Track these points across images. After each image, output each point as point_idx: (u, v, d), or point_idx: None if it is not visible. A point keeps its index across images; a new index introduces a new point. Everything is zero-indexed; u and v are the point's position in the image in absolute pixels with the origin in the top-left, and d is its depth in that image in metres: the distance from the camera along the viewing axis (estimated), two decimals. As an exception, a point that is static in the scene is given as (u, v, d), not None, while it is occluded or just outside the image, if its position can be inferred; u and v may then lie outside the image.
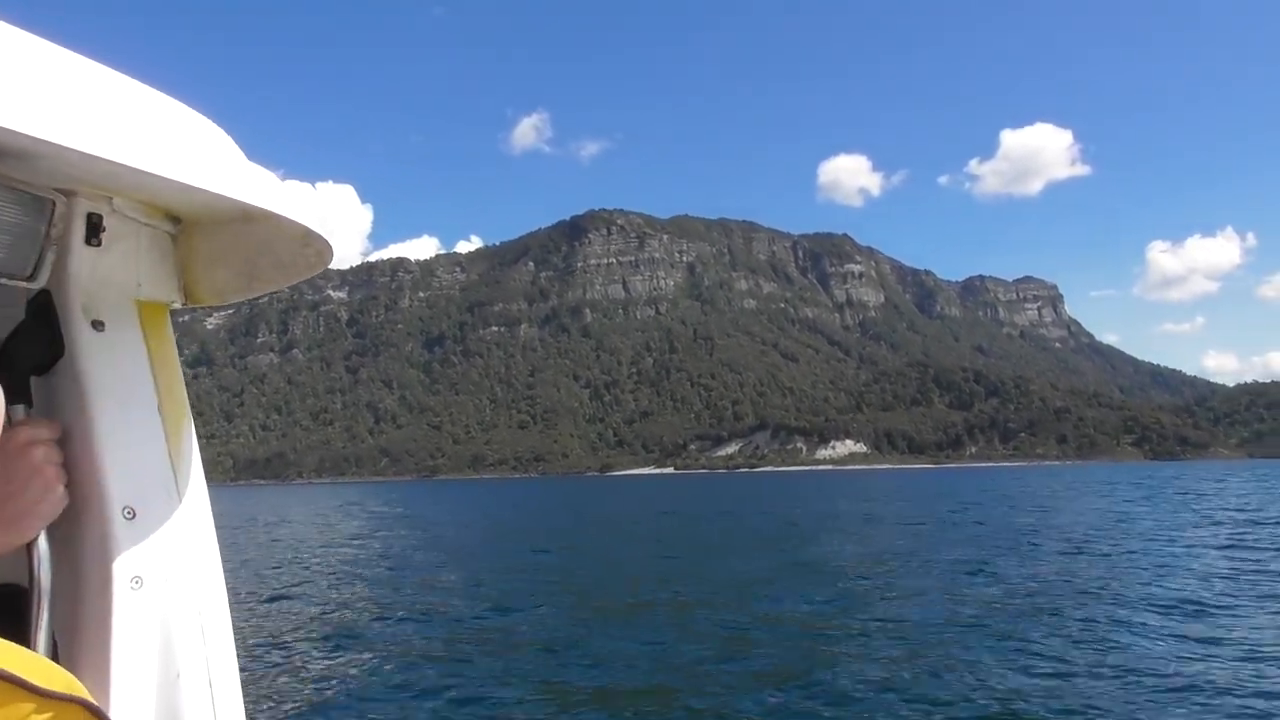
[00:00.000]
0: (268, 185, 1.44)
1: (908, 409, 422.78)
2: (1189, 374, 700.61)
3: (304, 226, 1.51)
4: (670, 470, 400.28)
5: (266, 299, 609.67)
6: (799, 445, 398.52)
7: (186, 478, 1.56)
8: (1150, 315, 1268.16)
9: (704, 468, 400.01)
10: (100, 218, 1.42)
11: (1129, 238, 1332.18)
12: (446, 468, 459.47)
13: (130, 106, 1.24)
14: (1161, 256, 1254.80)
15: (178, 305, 1.66)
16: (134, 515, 1.44)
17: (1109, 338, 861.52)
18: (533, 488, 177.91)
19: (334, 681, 12.93)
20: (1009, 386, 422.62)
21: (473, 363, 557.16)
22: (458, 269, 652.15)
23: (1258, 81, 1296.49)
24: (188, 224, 1.61)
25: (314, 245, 1.60)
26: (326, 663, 14.23)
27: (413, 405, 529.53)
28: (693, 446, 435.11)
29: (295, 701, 11.80)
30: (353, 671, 13.53)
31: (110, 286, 1.50)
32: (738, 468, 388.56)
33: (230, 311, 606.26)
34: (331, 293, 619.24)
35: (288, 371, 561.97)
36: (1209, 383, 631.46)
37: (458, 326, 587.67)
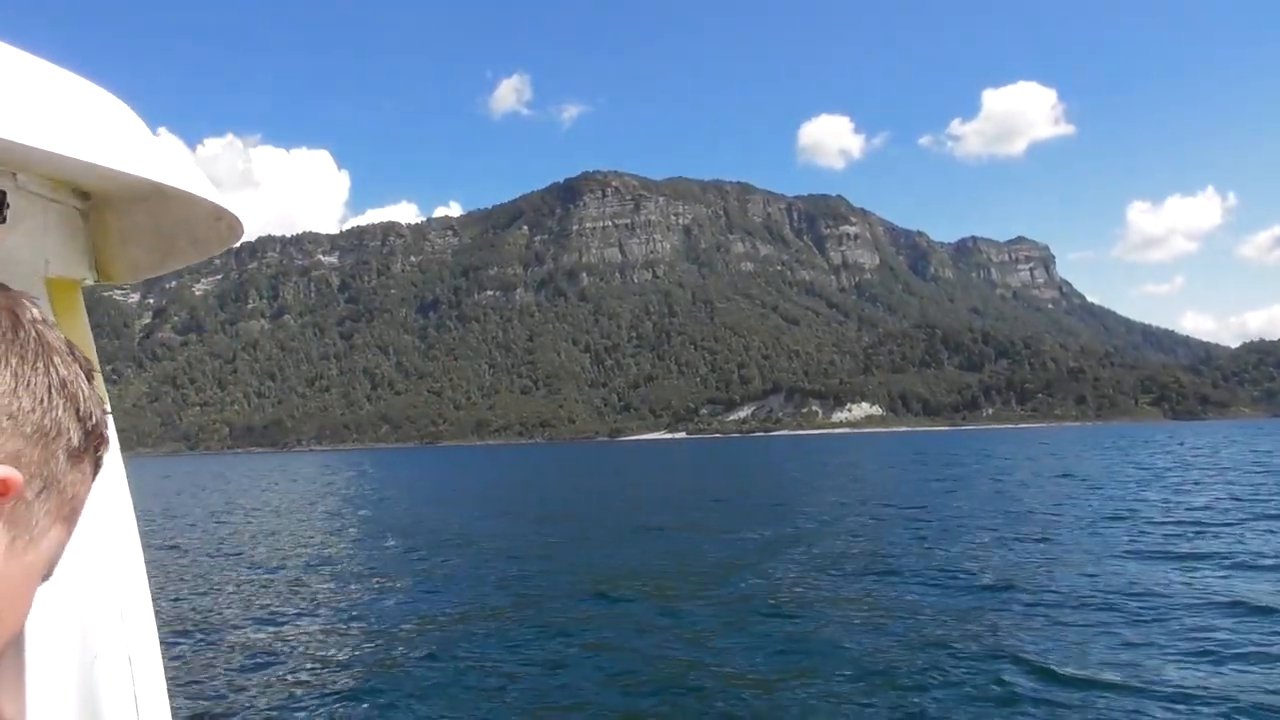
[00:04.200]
0: (176, 161, 1.38)
1: (919, 371, 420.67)
2: (1181, 334, 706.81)
3: (214, 203, 1.46)
4: (683, 435, 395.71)
5: (255, 263, 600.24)
6: (814, 408, 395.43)
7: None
8: (1129, 276, 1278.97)
9: (717, 432, 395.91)
10: (3, 195, 1.36)
11: (1110, 198, 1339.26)
12: (450, 433, 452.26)
13: (31, 83, 1.17)
14: (1142, 217, 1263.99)
15: (90, 282, 1.63)
16: None
17: (1092, 299, 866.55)
18: (558, 453, 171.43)
19: (264, 657, 12.75)
20: (1019, 348, 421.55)
21: (469, 328, 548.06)
22: (449, 233, 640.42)
23: (1243, 40, 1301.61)
24: (98, 200, 1.56)
25: (225, 219, 1.54)
26: (257, 638, 13.92)
27: (410, 371, 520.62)
28: (704, 410, 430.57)
29: (223, 679, 11.64)
30: (284, 648, 13.25)
31: (17, 264, 1.46)
32: (751, 432, 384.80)
33: (219, 277, 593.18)
34: (321, 257, 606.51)
35: (280, 338, 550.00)
36: (1202, 342, 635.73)
37: (452, 291, 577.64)
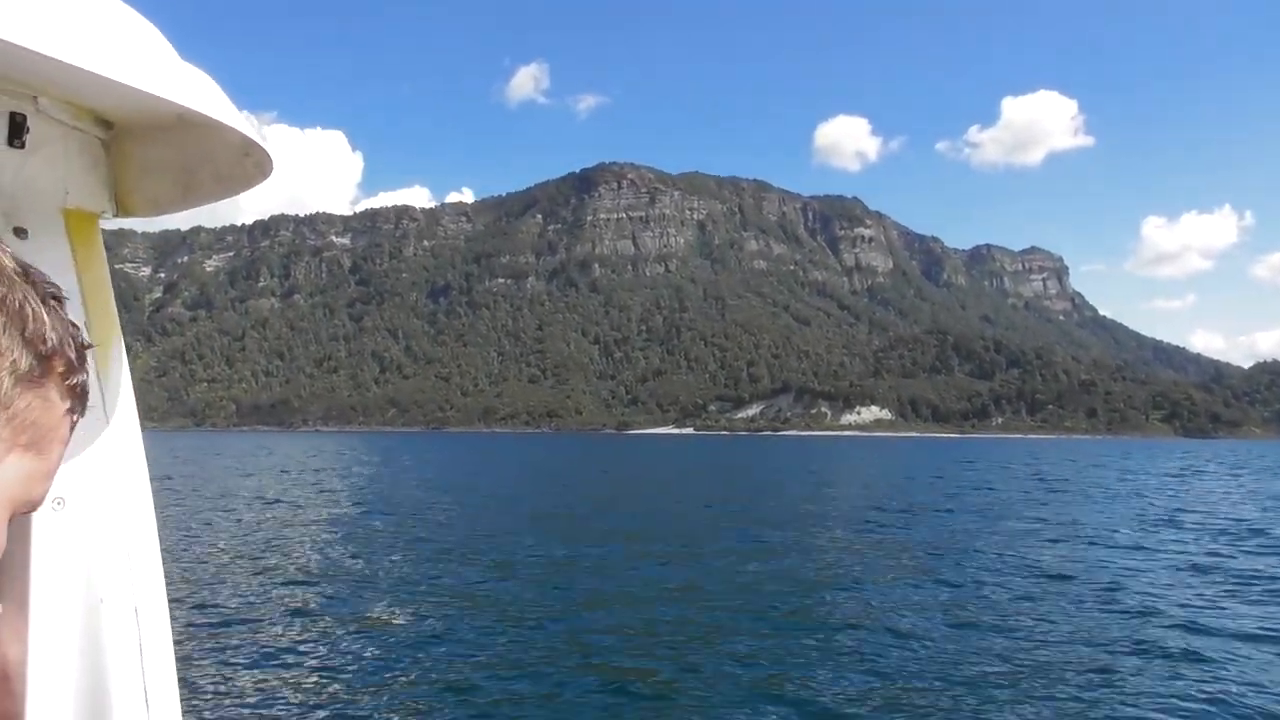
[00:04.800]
0: (205, 88, 1.34)
1: (929, 377, 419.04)
2: (1192, 351, 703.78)
3: (243, 134, 1.41)
4: (690, 431, 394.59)
5: (267, 242, 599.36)
6: (823, 410, 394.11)
7: (115, 397, 1.51)
8: (1141, 291, 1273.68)
9: (725, 429, 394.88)
10: (24, 118, 1.32)
11: (1125, 212, 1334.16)
12: (456, 420, 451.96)
13: None
14: (1157, 232, 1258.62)
15: (109, 216, 1.59)
16: None
17: (1103, 312, 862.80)
18: (575, 444, 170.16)
19: (273, 615, 13.20)
20: (1030, 358, 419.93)
21: (479, 315, 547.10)
22: (463, 219, 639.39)
23: (1265, 60, 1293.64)
24: (120, 130, 1.51)
25: (254, 155, 1.49)
26: (266, 596, 14.29)
27: (419, 356, 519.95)
28: (712, 407, 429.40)
29: (232, 630, 11.82)
30: (292, 610, 13.61)
31: (35, 193, 1.42)
32: (760, 430, 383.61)
33: (230, 254, 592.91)
34: (334, 238, 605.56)
35: (290, 317, 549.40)
36: (1213, 361, 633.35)
37: (463, 277, 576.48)
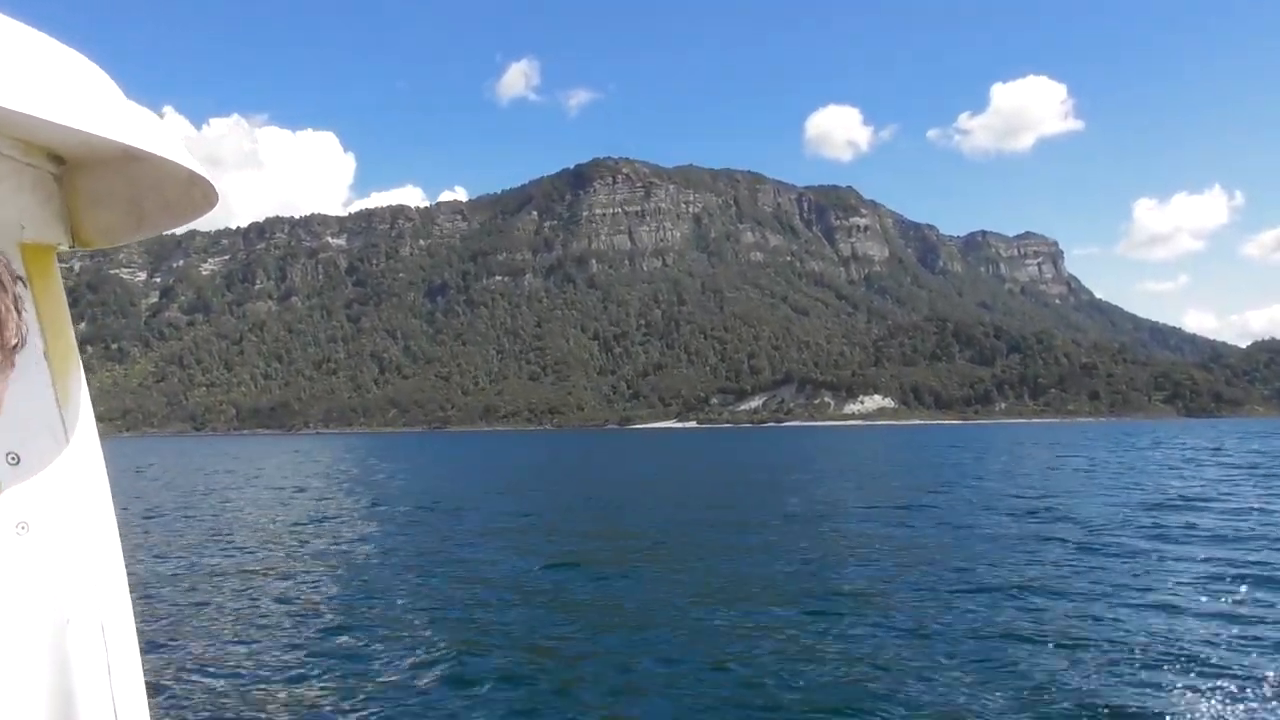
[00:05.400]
0: (148, 125, 1.38)
1: (930, 364, 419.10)
2: (1187, 331, 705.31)
3: (187, 168, 1.45)
4: (693, 424, 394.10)
5: (263, 244, 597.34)
6: (826, 400, 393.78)
7: (74, 423, 1.53)
8: (1133, 273, 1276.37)
9: (728, 422, 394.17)
10: None
11: (1117, 195, 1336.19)
12: (458, 419, 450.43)
13: (3, 45, 1.18)
14: (1148, 214, 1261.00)
15: (65, 248, 1.62)
16: (18, 460, 1.41)
17: (1098, 295, 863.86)
18: (584, 441, 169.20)
19: (244, 631, 12.96)
20: (1030, 342, 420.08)
21: (477, 313, 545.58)
22: (459, 217, 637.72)
23: (1253, 39, 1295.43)
24: (71, 164, 1.55)
25: (199, 187, 1.54)
26: (235, 608, 14.24)
27: (418, 355, 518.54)
28: (715, 400, 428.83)
29: (198, 649, 11.91)
30: (262, 620, 13.53)
31: None
32: (763, 422, 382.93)
33: (226, 257, 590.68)
34: (330, 239, 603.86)
35: (287, 320, 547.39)
36: (1209, 341, 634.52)
37: (460, 276, 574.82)
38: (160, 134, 1.40)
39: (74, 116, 1.23)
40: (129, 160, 1.46)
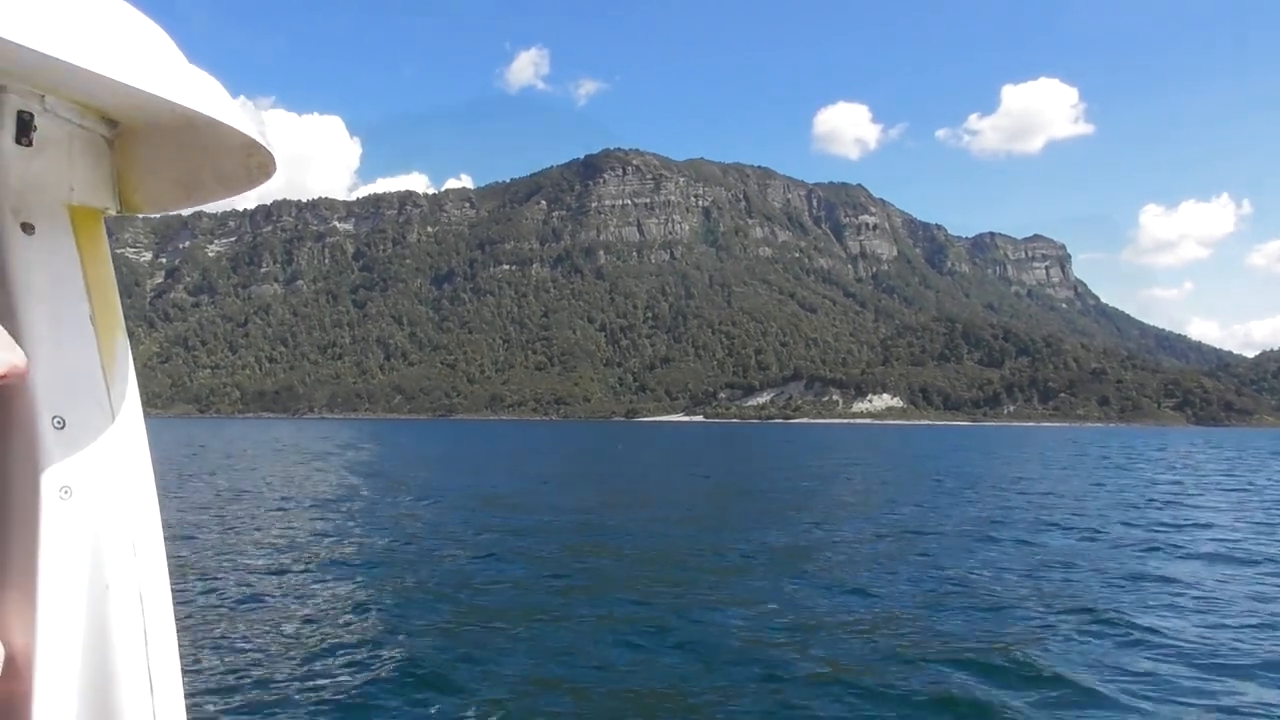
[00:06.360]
0: (209, 90, 1.39)
1: (938, 364, 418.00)
2: (1192, 339, 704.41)
3: (247, 136, 1.46)
4: (700, 418, 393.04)
5: (269, 227, 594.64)
6: (834, 397, 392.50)
7: (120, 389, 1.55)
8: (1137, 279, 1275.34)
9: (735, 417, 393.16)
10: (31, 116, 1.38)
11: (1124, 200, 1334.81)
12: (463, 407, 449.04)
13: (65, 1, 1.16)
14: (1155, 220, 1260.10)
15: (113, 212, 1.63)
16: (64, 425, 1.43)
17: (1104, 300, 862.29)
18: (601, 432, 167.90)
19: (276, 600, 13.27)
20: (1039, 345, 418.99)
21: (484, 301, 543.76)
22: (467, 204, 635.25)
23: (1265, 50, 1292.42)
24: (125, 129, 1.56)
25: (257, 156, 1.54)
26: (270, 584, 14.48)
27: (424, 342, 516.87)
28: (722, 394, 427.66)
29: (230, 619, 12.08)
30: (295, 596, 13.75)
31: (41, 189, 1.46)
32: (771, 418, 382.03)
33: (232, 239, 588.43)
34: (337, 224, 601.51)
35: (293, 303, 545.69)
36: (1215, 349, 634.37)
37: (467, 264, 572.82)
38: (221, 99, 1.40)
39: (133, 75, 1.24)
40: (185, 126, 1.45)
